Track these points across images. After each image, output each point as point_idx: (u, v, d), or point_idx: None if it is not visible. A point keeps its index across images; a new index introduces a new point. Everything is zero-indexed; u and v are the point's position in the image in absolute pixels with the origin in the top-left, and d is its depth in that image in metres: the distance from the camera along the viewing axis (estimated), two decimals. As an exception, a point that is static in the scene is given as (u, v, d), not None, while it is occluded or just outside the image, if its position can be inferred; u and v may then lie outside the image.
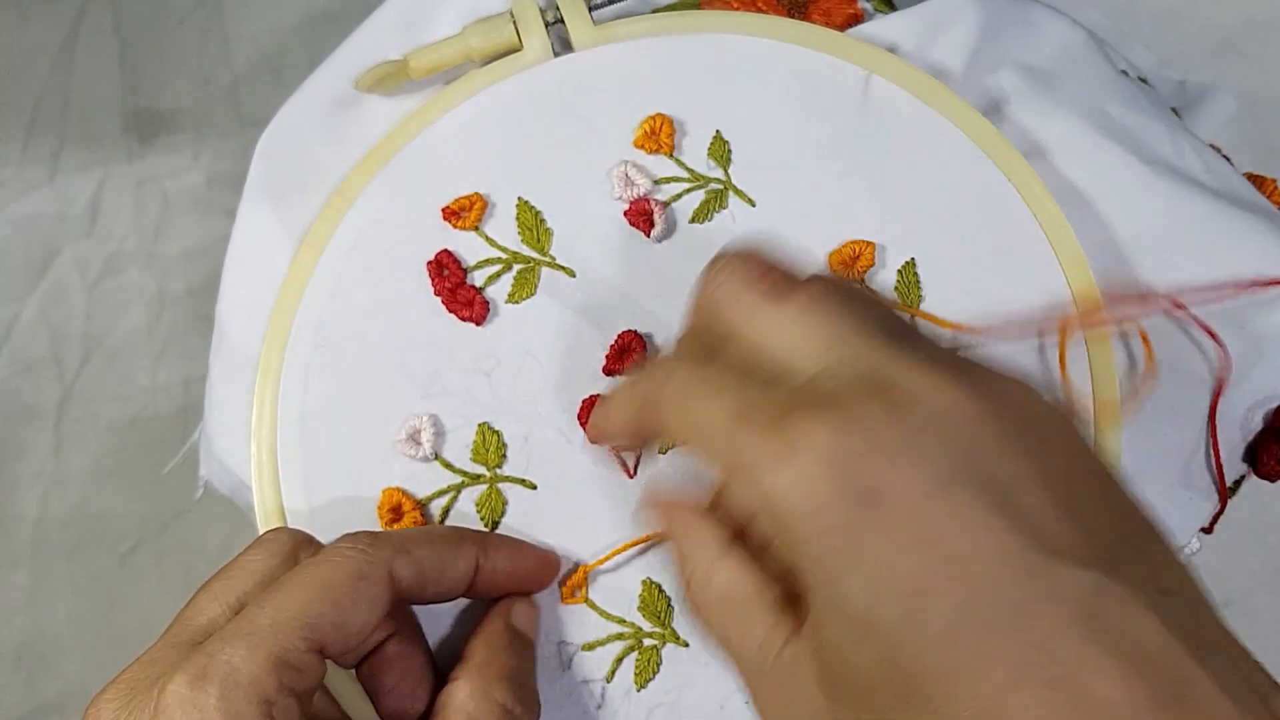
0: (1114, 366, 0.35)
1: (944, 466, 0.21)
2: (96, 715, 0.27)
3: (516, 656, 0.32)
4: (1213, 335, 0.35)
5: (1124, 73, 0.41)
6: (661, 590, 0.35)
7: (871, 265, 0.36)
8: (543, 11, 0.39)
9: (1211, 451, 0.36)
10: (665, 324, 0.37)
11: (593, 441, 0.35)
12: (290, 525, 0.36)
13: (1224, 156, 0.41)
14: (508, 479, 0.36)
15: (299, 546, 0.31)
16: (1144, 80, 0.44)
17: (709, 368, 0.26)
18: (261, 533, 0.33)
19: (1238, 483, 0.38)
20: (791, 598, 0.25)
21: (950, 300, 0.36)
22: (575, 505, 0.36)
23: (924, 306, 0.36)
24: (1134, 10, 0.80)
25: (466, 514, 0.36)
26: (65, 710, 0.76)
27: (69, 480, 0.78)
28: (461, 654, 0.33)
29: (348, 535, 0.30)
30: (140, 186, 0.81)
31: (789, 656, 0.24)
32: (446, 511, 0.36)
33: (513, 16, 0.39)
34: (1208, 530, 0.38)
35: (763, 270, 0.26)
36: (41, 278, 0.80)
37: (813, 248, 0.37)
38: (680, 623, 0.35)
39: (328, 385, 0.37)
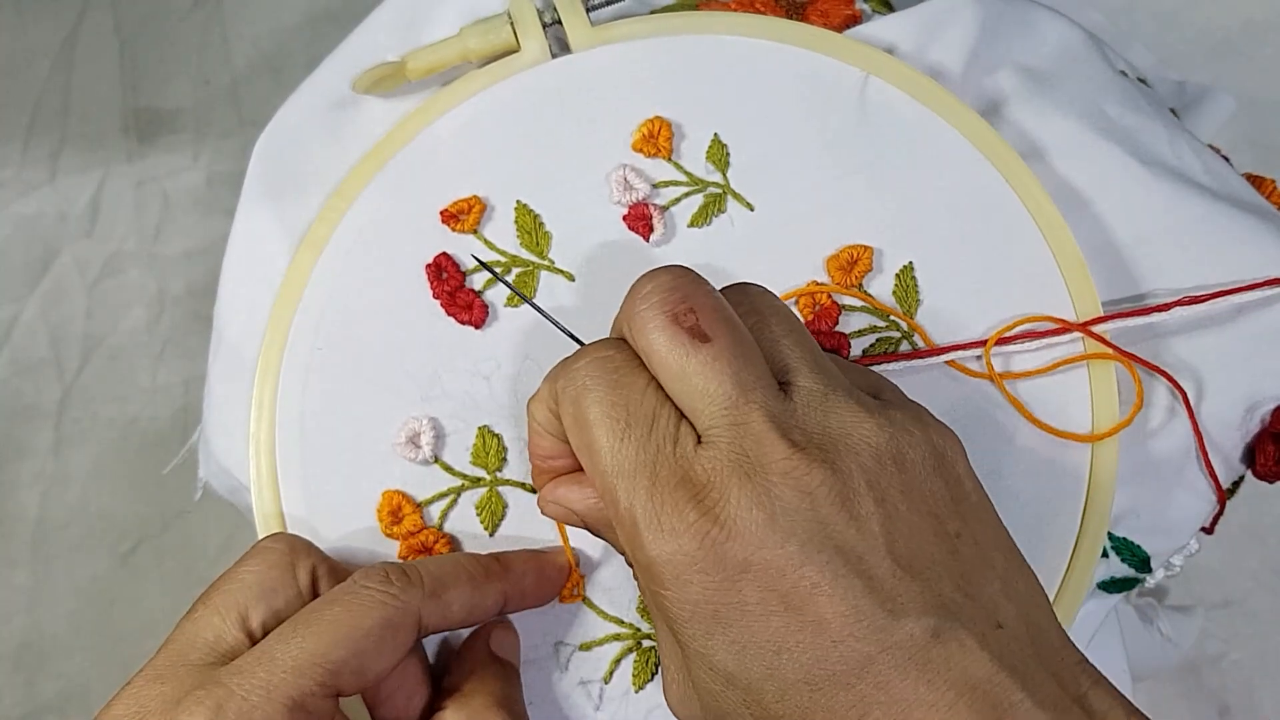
0: (1114, 387, 0.35)
1: (803, 542, 0.24)
2: None
3: (502, 682, 0.32)
4: (1130, 368, 0.36)
5: (1123, 73, 0.41)
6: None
7: (870, 269, 0.36)
8: (540, 13, 0.39)
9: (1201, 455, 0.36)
10: None
11: (542, 504, 0.33)
12: (290, 528, 0.36)
13: (1223, 157, 0.41)
14: (508, 482, 0.36)
15: (297, 555, 0.31)
16: (1143, 81, 0.44)
17: (627, 385, 0.27)
18: (260, 538, 0.32)
19: (1236, 484, 0.38)
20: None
21: (949, 303, 0.36)
22: None
23: (922, 309, 0.36)
24: (1134, 10, 0.80)
25: (466, 517, 0.36)
26: (65, 710, 0.76)
27: (69, 480, 0.79)
28: (444, 682, 0.32)
29: (378, 570, 0.30)
30: (140, 186, 0.81)
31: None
32: (446, 514, 0.36)
33: (510, 18, 0.39)
34: (1208, 530, 0.38)
35: (683, 308, 0.27)
36: (41, 278, 0.80)
37: (811, 251, 0.37)
38: None
39: (327, 387, 0.37)
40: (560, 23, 0.39)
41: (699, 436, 0.26)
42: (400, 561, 0.34)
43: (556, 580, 0.34)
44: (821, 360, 0.27)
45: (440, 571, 0.31)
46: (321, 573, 0.31)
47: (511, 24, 0.39)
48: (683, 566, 0.24)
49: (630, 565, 0.29)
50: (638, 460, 0.26)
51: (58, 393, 0.79)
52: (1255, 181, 0.41)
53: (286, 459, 0.37)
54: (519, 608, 0.33)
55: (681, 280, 0.28)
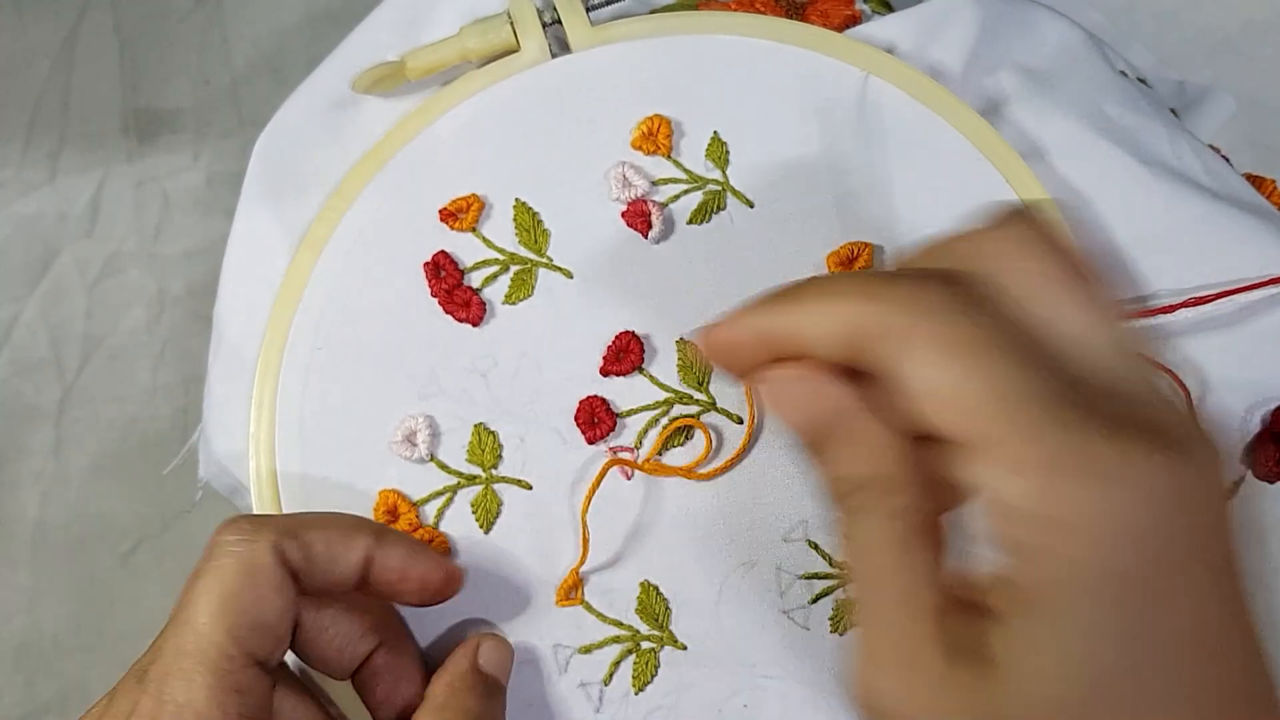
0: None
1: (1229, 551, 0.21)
2: None
3: (478, 699, 0.31)
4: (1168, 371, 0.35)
5: (1123, 73, 0.41)
6: (659, 592, 0.35)
7: (869, 266, 0.36)
8: (540, 13, 0.39)
9: None
10: (663, 326, 0.37)
11: (744, 365, 0.27)
12: None
13: (1223, 157, 0.41)
14: (503, 479, 0.36)
15: (256, 546, 0.29)
16: (1143, 81, 0.44)
17: (980, 312, 0.22)
18: (214, 537, 0.30)
19: (1236, 484, 0.38)
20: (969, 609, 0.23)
21: None
22: (571, 506, 0.36)
23: None
24: (1134, 10, 0.80)
25: (462, 515, 0.36)
26: (65, 710, 0.76)
27: (69, 480, 0.79)
28: (427, 689, 0.32)
29: (230, 522, 0.29)
30: (140, 186, 0.81)
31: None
32: (442, 513, 0.36)
33: (510, 17, 0.39)
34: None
35: (1074, 254, 0.23)
36: (41, 278, 0.80)
37: (811, 249, 0.37)
38: (678, 625, 0.35)
39: (326, 387, 0.37)
40: (560, 22, 0.39)
41: None
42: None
43: (430, 570, 0.32)
44: None
45: (301, 515, 0.31)
46: (287, 548, 0.30)
47: (511, 24, 0.39)
48: (1122, 529, 0.20)
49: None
50: (1064, 390, 0.21)
51: (58, 393, 0.79)
52: (1255, 182, 0.41)
53: (286, 458, 0.37)
54: (387, 584, 0.31)
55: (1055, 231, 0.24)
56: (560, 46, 0.39)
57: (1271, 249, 0.37)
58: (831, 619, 0.35)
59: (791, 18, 0.40)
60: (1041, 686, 0.21)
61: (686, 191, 0.38)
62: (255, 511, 0.37)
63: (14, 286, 0.81)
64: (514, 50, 0.39)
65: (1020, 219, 0.24)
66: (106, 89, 0.83)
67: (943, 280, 0.23)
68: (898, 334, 0.22)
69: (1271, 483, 0.36)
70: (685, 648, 0.35)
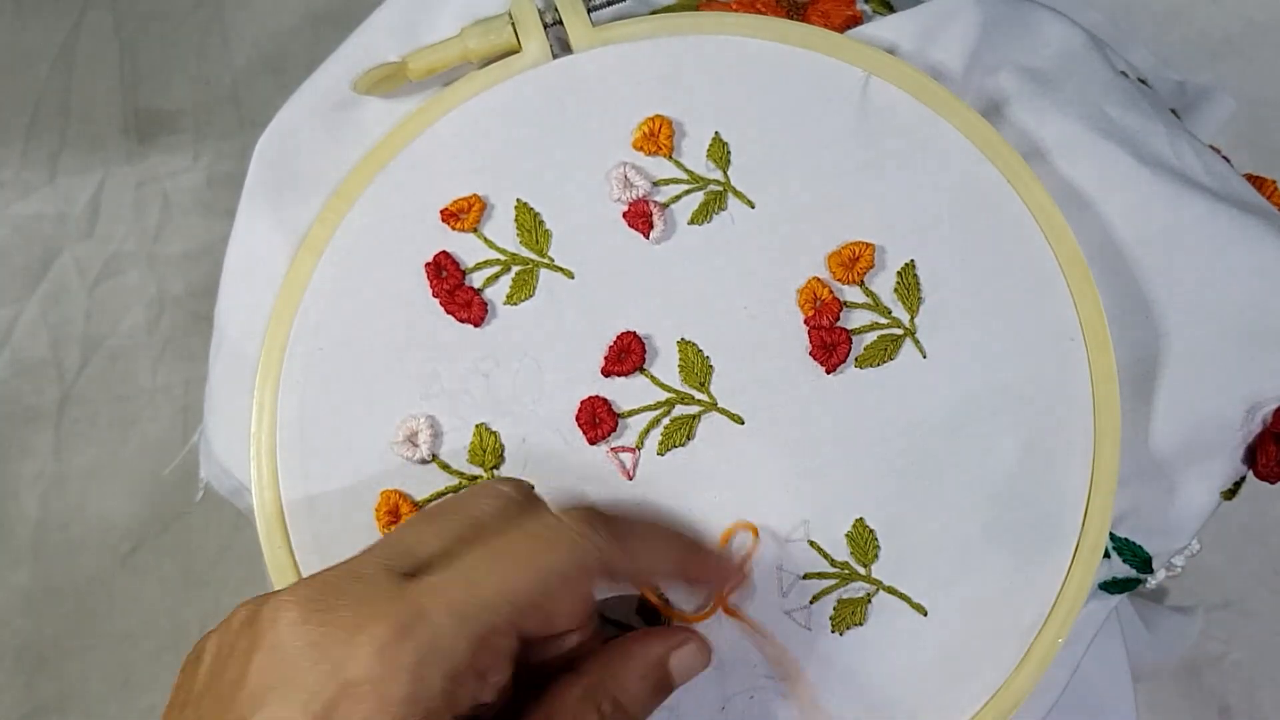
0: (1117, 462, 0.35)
1: None
2: (281, 611, 0.25)
3: (646, 688, 0.30)
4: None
5: (1123, 74, 0.41)
6: (659, 593, 0.35)
7: (871, 266, 0.36)
8: (541, 13, 0.39)
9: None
10: (664, 326, 0.37)
11: None
12: (290, 528, 0.36)
13: (1224, 158, 0.41)
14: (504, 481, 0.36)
15: (527, 505, 0.29)
16: (1144, 82, 0.44)
17: None
18: (492, 480, 0.30)
19: (1237, 484, 0.38)
20: None
21: (951, 302, 0.36)
22: (573, 507, 0.36)
23: (925, 307, 0.36)
24: (1134, 11, 0.80)
25: None
26: (65, 710, 0.76)
27: (69, 481, 0.79)
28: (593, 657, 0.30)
29: (573, 511, 0.28)
30: (140, 187, 0.81)
31: None
32: None
33: (511, 18, 0.39)
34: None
35: None
36: (41, 278, 0.80)
37: (812, 249, 0.37)
38: (679, 625, 0.35)
39: (327, 387, 0.37)
40: (561, 23, 0.39)
41: None
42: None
43: (730, 573, 0.33)
44: None
45: (633, 525, 0.30)
46: (618, 569, 0.29)
47: (513, 24, 0.39)
48: None
49: None
50: None
51: (58, 393, 0.79)
52: (1256, 182, 0.41)
53: (287, 459, 0.37)
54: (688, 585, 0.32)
55: None
56: (561, 47, 0.39)
57: (1272, 249, 0.37)
58: (832, 619, 0.35)
59: (792, 18, 0.40)
60: None
61: (688, 192, 0.38)
62: (256, 511, 0.37)
63: (14, 287, 0.81)
64: (515, 51, 0.39)
65: None
66: (106, 89, 0.83)
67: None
68: None
69: (1272, 483, 0.36)
70: None
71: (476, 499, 0.29)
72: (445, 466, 0.36)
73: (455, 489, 0.36)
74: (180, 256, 0.80)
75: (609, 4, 0.39)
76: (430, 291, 0.37)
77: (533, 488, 0.31)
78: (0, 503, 0.79)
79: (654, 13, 0.40)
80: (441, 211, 0.38)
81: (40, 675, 0.77)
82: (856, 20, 0.40)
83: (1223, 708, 0.72)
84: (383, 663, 0.24)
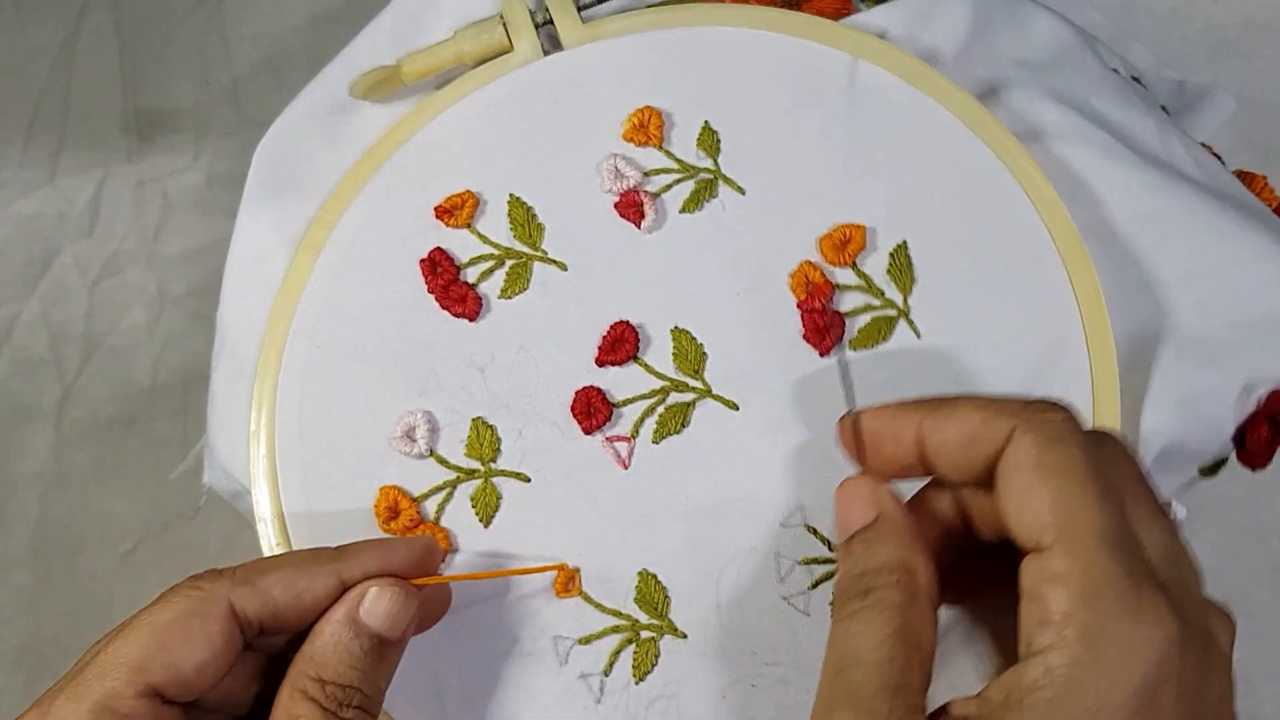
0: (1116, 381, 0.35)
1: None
2: None
3: (344, 654, 0.30)
4: None
5: (1115, 71, 0.41)
6: (658, 581, 0.35)
7: (863, 248, 0.36)
8: (532, 14, 0.39)
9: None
10: (657, 314, 0.37)
11: (871, 459, 0.30)
12: (290, 527, 0.36)
13: (1215, 155, 0.41)
14: (502, 473, 0.36)
15: (209, 603, 0.29)
16: (1137, 80, 0.44)
17: (1105, 461, 0.26)
18: (165, 594, 0.31)
19: (1219, 463, 0.37)
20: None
21: (944, 282, 0.36)
22: (569, 497, 0.36)
23: (918, 288, 0.36)
24: (1134, 10, 0.80)
25: (463, 510, 0.36)
26: (65, 710, 0.76)
27: (69, 480, 0.78)
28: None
29: (191, 576, 0.30)
30: (140, 186, 0.81)
31: None
32: (442, 508, 0.36)
33: (503, 19, 0.39)
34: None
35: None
36: (41, 278, 0.80)
37: (803, 232, 0.37)
38: (678, 614, 0.35)
39: (325, 386, 0.37)
40: (552, 22, 0.39)
41: None
42: None
43: (410, 556, 0.32)
44: None
45: (257, 561, 0.31)
46: (239, 597, 0.29)
47: (504, 25, 0.39)
48: (1137, 654, 0.23)
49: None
50: (1122, 534, 0.24)
51: (58, 393, 0.79)
52: (1245, 178, 0.41)
53: (286, 457, 0.37)
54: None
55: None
56: (553, 45, 0.40)
57: (1258, 239, 0.37)
58: (832, 604, 0.35)
59: (787, 15, 0.40)
60: None
61: (678, 181, 0.38)
62: (255, 510, 0.37)
63: (14, 286, 0.81)
64: (508, 51, 0.39)
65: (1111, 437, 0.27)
66: (106, 89, 0.83)
67: (1065, 410, 0.26)
68: (1018, 451, 0.25)
69: (1254, 467, 0.36)
70: (685, 636, 0.35)
71: (144, 612, 0.30)
72: (443, 461, 0.36)
73: (453, 483, 0.36)
74: (180, 256, 0.80)
75: (599, 1, 0.40)
76: (425, 288, 0.37)
77: (216, 584, 0.30)
78: (0, 503, 0.79)
79: (646, 8, 0.41)
80: (435, 209, 0.38)
81: (40, 675, 0.77)
82: (849, 13, 0.40)
83: None
84: None
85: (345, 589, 0.31)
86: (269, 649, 0.31)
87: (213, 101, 0.83)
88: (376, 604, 0.30)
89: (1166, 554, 0.25)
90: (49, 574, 0.78)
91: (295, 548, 0.36)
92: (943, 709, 0.25)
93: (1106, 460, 0.26)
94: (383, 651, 0.30)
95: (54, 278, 0.80)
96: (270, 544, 0.37)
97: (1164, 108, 0.44)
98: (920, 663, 0.26)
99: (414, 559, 0.32)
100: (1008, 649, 0.27)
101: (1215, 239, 0.36)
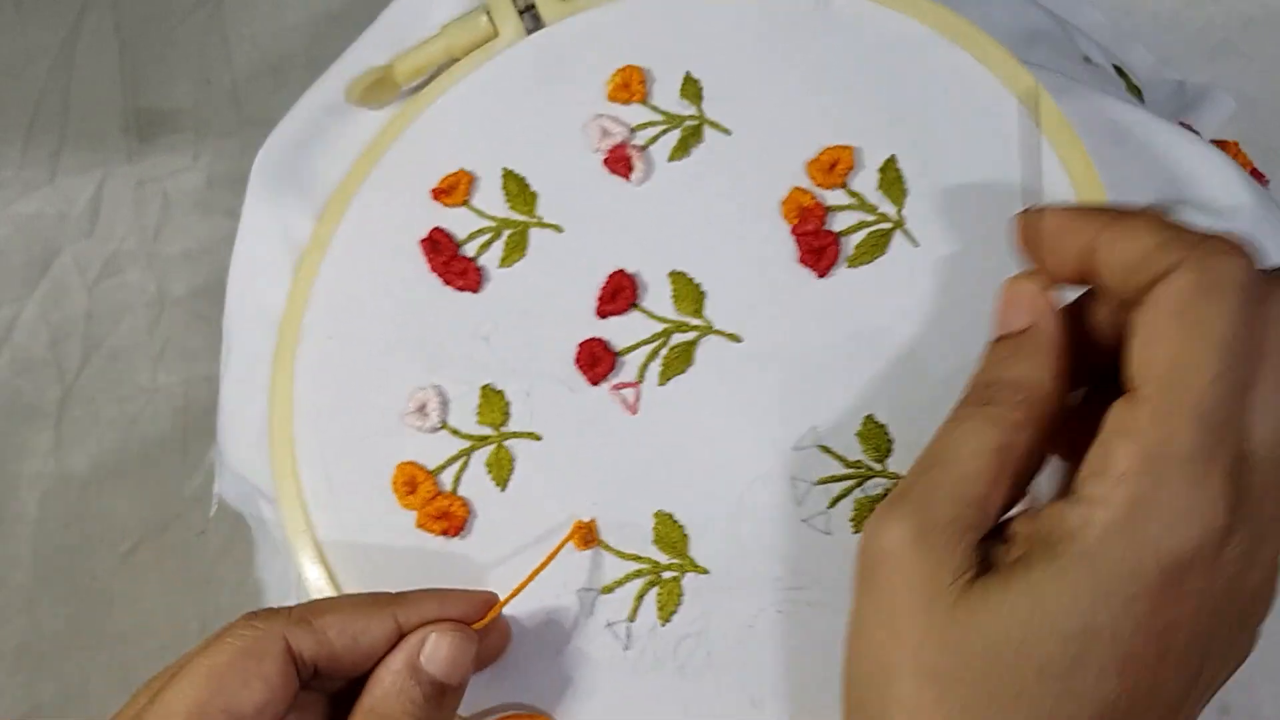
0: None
1: None
2: None
3: (407, 703, 0.30)
4: None
5: (1086, 59, 0.41)
6: (674, 520, 0.35)
7: (851, 167, 0.36)
8: (514, 0, 0.40)
9: None
10: (653, 260, 0.37)
11: (1043, 263, 0.29)
12: (312, 514, 0.36)
13: (1193, 130, 0.41)
14: (513, 435, 0.36)
15: (266, 642, 0.29)
16: (1119, 69, 0.44)
17: (1243, 348, 0.24)
18: (226, 631, 0.30)
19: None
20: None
21: (938, 188, 0.36)
22: (581, 450, 0.36)
23: (910, 198, 0.36)
24: (1134, 10, 0.80)
25: (478, 476, 0.36)
26: (65, 710, 0.76)
27: (69, 480, 0.79)
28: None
29: (245, 614, 0.30)
30: (140, 186, 0.81)
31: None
32: (459, 478, 0.36)
33: (486, 8, 0.39)
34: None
35: None
36: (41, 278, 0.80)
37: (791, 161, 0.37)
38: (697, 550, 0.35)
39: (339, 374, 0.37)
40: (534, 7, 0.40)
41: None
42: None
43: (468, 608, 0.32)
44: None
45: (315, 602, 0.30)
46: (297, 642, 0.30)
47: (488, 13, 0.40)
48: (1177, 534, 0.22)
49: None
50: (1226, 415, 0.23)
51: (58, 393, 0.79)
52: (1217, 145, 0.42)
53: (305, 447, 0.37)
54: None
55: None
56: (537, 25, 0.41)
57: (1225, 175, 0.37)
58: (853, 520, 0.35)
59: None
60: (1017, 629, 0.23)
61: (665, 131, 0.38)
62: (279, 503, 0.37)
63: (14, 286, 0.81)
64: (494, 38, 0.40)
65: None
66: (106, 89, 0.83)
67: (1244, 256, 0.24)
68: (1168, 274, 0.24)
69: None
70: (707, 571, 0.35)
71: (199, 654, 0.30)
72: (455, 431, 0.37)
73: (467, 452, 0.37)
74: (180, 256, 0.80)
75: None
76: (429, 267, 0.38)
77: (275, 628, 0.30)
78: (0, 503, 0.79)
79: None
80: (432, 191, 0.38)
81: (40, 675, 0.77)
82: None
83: (1223, 707, 0.72)
84: None
85: (402, 634, 0.31)
86: (326, 690, 0.31)
87: (213, 101, 0.83)
88: (437, 650, 0.30)
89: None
90: (49, 574, 0.78)
91: (320, 532, 0.37)
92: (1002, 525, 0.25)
93: (1268, 319, 0.24)
94: (443, 698, 0.30)
95: (54, 278, 0.80)
96: (294, 530, 0.37)
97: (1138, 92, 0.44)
98: (1008, 489, 0.26)
99: (473, 610, 0.32)
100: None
101: (1181, 174, 0.37)
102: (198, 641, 0.30)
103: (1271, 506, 0.24)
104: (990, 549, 0.25)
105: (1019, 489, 0.26)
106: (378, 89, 0.40)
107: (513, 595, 0.33)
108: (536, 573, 0.34)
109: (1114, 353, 0.26)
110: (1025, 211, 0.29)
